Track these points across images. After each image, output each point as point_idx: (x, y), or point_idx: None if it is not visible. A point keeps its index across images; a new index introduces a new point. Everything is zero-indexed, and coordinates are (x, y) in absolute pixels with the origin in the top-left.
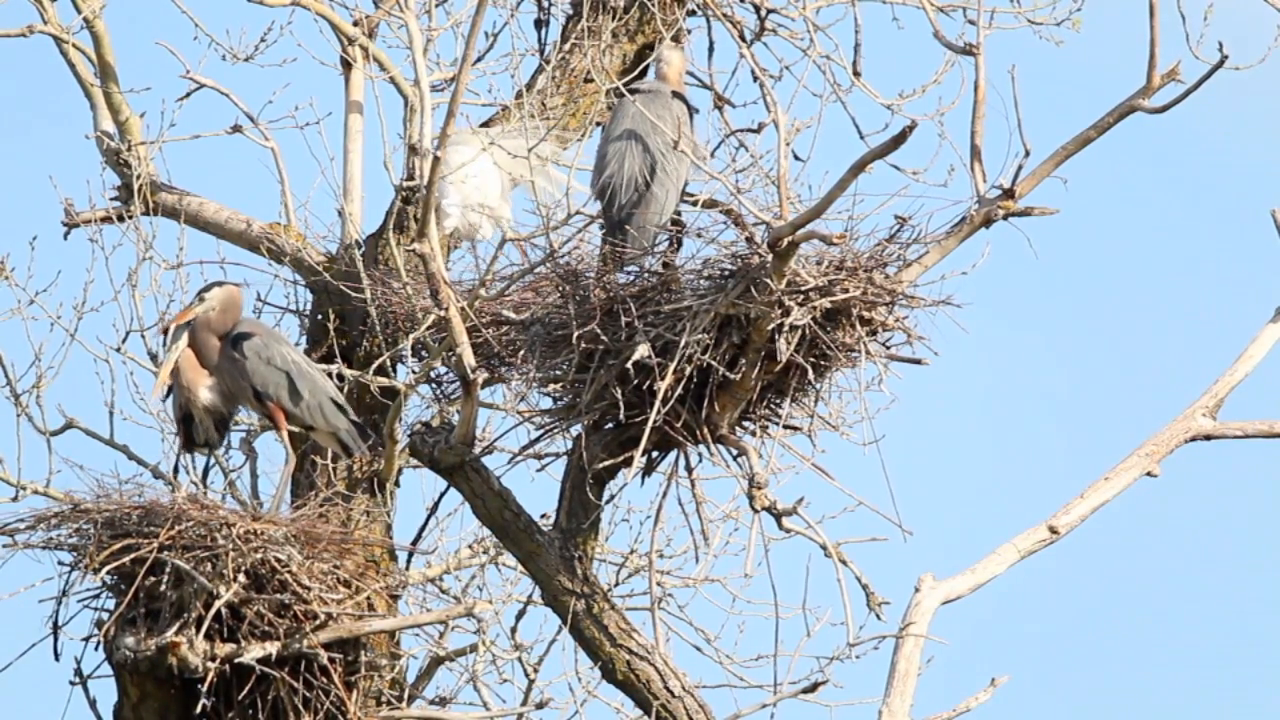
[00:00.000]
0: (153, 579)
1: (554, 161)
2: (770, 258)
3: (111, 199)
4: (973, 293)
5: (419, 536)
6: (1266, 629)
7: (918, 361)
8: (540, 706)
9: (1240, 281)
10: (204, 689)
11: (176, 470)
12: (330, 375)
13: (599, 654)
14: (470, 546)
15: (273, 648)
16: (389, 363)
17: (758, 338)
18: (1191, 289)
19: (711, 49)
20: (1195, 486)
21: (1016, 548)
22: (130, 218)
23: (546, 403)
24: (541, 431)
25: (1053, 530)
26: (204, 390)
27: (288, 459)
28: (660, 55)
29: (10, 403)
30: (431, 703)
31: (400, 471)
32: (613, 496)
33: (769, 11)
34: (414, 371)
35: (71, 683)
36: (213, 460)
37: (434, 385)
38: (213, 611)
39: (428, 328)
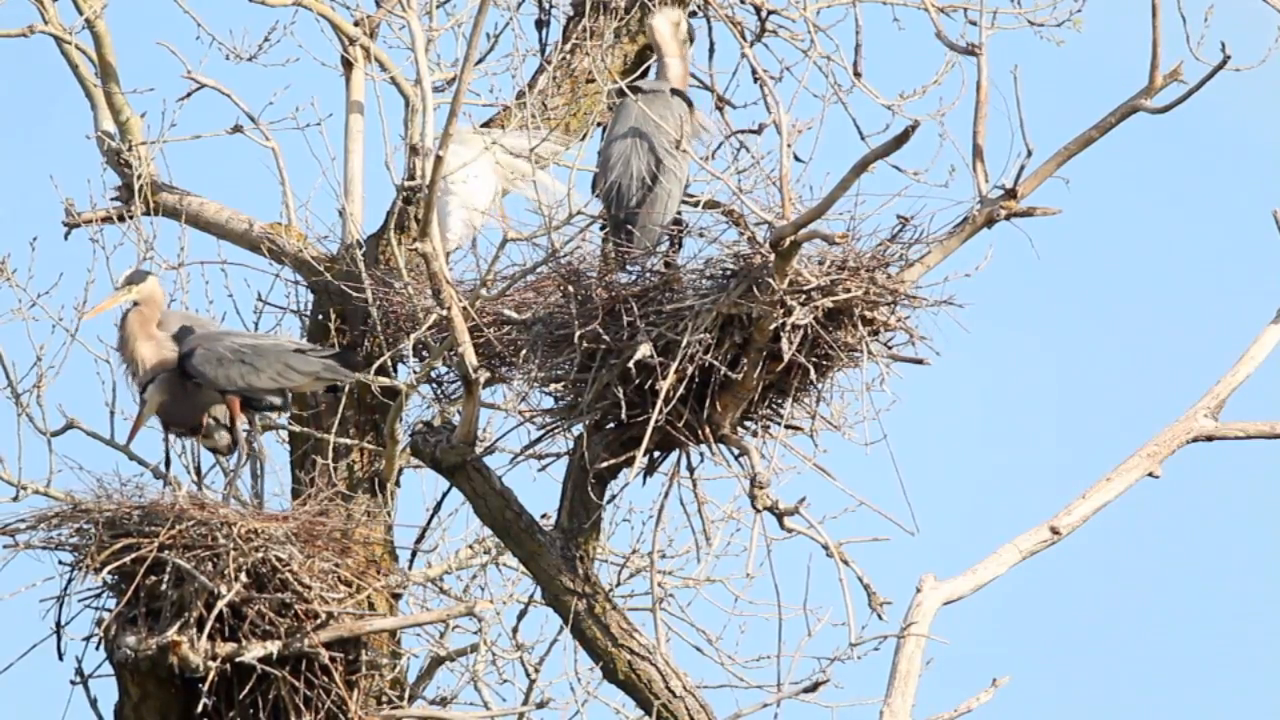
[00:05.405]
0: (153, 578)
1: (554, 161)
2: (772, 257)
3: (112, 199)
4: (975, 293)
5: (421, 536)
6: (1268, 629)
7: (920, 361)
8: (541, 706)
9: (1242, 282)
10: (205, 688)
11: (168, 462)
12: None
13: (600, 654)
14: (471, 546)
15: (274, 647)
16: (390, 363)
17: (760, 337)
18: (1193, 289)
19: (712, 50)
20: (1197, 487)
21: (1018, 548)
22: (131, 218)
23: (548, 402)
24: (543, 431)
25: (1054, 531)
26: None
27: (239, 449)
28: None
29: (11, 403)
30: (432, 702)
31: (401, 471)
32: (614, 496)
33: (770, 12)
34: (415, 371)
35: (72, 682)
36: (215, 459)
37: (435, 385)
38: (214, 611)
39: (429, 327)
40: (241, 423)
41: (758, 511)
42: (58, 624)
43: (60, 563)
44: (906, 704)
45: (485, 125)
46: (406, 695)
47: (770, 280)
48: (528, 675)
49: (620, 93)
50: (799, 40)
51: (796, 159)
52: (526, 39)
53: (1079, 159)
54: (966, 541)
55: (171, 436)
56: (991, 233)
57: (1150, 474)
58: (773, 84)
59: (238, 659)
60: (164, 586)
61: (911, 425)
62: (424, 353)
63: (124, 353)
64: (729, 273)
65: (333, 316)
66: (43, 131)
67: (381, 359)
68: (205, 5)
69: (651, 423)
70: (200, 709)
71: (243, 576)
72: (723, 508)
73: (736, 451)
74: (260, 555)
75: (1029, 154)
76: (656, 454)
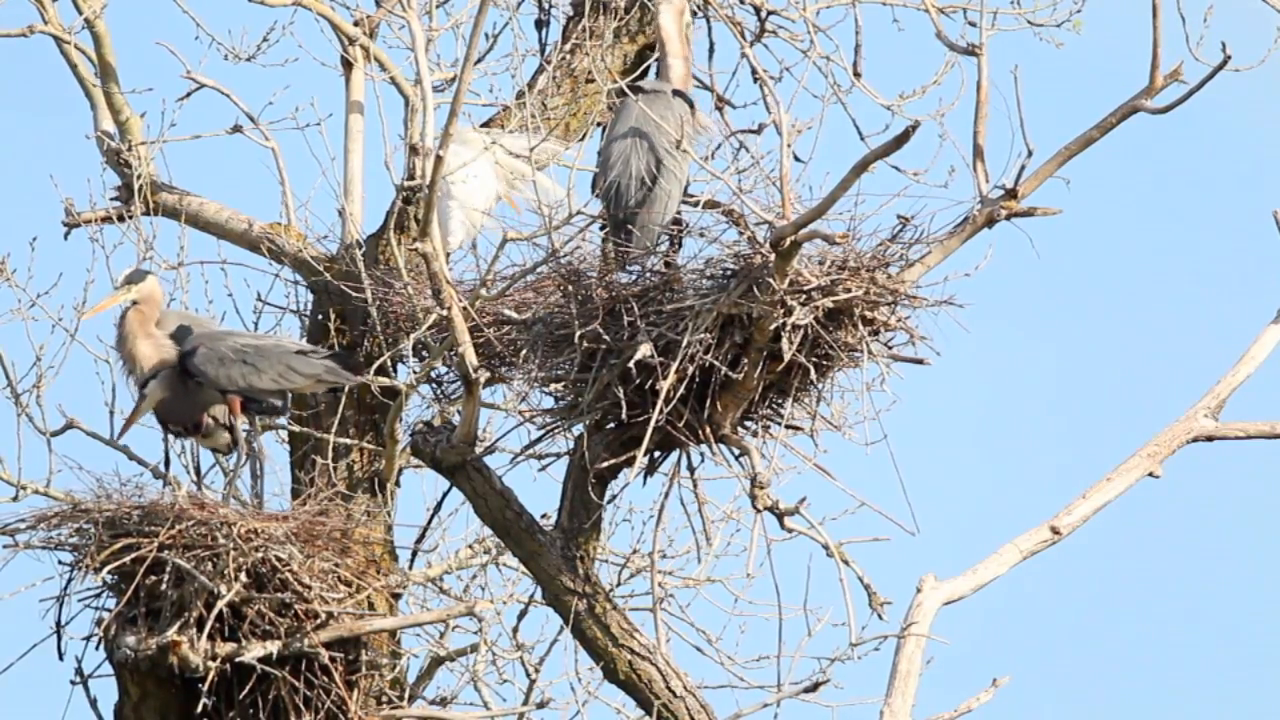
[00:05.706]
0: (153, 578)
1: (554, 162)
2: (773, 257)
3: (112, 199)
4: (975, 293)
5: (421, 536)
6: (1268, 630)
7: (920, 361)
8: (541, 706)
9: (1242, 282)
10: (205, 688)
11: (168, 462)
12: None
13: (601, 654)
14: (471, 546)
15: (273, 647)
16: (390, 363)
17: (760, 337)
18: (1194, 289)
19: (712, 50)
20: (1197, 487)
21: (1018, 548)
22: (131, 218)
23: (548, 402)
24: (543, 431)
25: (1054, 531)
26: (146, 353)
27: (239, 449)
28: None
29: (10, 403)
30: (432, 702)
31: (401, 471)
32: (614, 496)
33: (769, 13)
34: (415, 371)
35: (72, 682)
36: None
37: (435, 385)
38: (214, 611)
39: (429, 327)
40: (241, 423)
41: (758, 511)
42: (58, 624)
43: (60, 563)
44: (906, 704)
45: (485, 125)
46: (406, 695)
47: (770, 280)
48: (528, 675)
49: (620, 93)
50: (799, 40)
51: (796, 159)
52: (526, 39)
53: (1079, 159)
54: (966, 541)
55: (171, 436)
56: (992, 233)
57: (1150, 474)
58: (773, 84)
59: (237, 659)
60: (164, 586)
61: (911, 425)
62: (424, 353)
63: (122, 352)
64: (729, 273)
65: (332, 316)
66: (43, 131)
67: (381, 359)
68: (205, 5)
69: (652, 423)
70: (200, 709)
71: (242, 576)
72: (723, 508)
73: (737, 451)
74: (260, 555)
75: (1029, 154)
76: (657, 454)
